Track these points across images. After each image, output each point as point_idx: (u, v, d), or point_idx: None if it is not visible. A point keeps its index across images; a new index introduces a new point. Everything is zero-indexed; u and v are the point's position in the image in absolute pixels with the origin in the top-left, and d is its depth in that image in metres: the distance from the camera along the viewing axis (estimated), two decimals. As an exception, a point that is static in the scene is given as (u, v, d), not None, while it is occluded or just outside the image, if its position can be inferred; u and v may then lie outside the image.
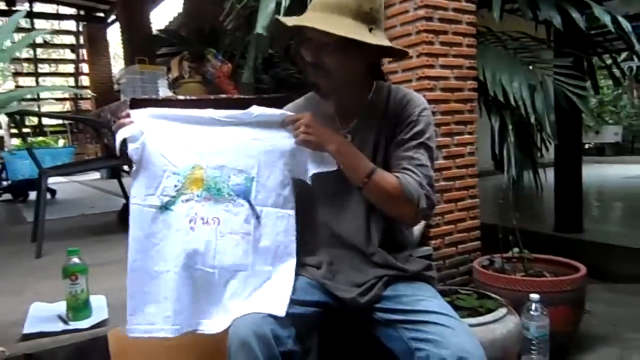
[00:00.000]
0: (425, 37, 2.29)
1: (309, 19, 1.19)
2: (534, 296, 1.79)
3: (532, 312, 1.77)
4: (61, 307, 1.54)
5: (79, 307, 1.49)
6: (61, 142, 12.75)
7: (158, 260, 1.14)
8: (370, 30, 1.18)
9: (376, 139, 1.30)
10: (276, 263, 1.21)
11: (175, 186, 1.17)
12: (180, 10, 7.47)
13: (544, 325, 1.75)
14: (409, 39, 2.34)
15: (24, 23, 11.60)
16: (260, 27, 2.13)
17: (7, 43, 1.32)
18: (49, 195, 5.75)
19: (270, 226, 1.21)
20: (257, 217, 1.20)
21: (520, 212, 2.32)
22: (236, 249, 1.18)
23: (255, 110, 1.20)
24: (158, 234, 1.15)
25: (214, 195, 1.18)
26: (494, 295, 1.97)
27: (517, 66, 2.70)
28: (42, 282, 1.99)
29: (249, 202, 1.20)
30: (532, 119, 2.52)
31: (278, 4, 2.13)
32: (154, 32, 7.44)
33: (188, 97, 2.70)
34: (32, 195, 5.26)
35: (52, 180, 6.13)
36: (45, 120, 11.74)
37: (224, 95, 2.81)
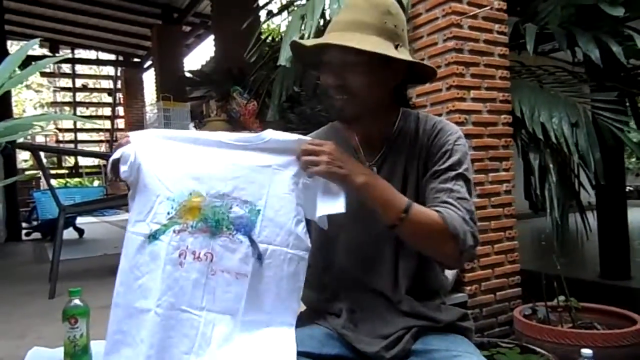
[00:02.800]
0: (455, 69, 2.19)
1: (330, 37, 1.09)
2: (587, 351, 1.57)
3: (585, 371, 1.55)
4: (60, 353, 1.42)
5: (76, 354, 1.36)
6: (96, 183, 13.07)
7: (139, 296, 1.01)
8: (396, 47, 1.09)
9: (405, 172, 1.16)
10: (273, 313, 1.04)
11: (168, 213, 1.03)
12: (212, 54, 7.68)
13: (600, 386, 1.52)
14: (438, 72, 2.22)
15: (67, 69, 12.30)
16: (283, 59, 2.08)
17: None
18: (76, 235, 5.81)
19: (274, 269, 1.04)
20: (259, 258, 1.03)
21: (565, 258, 2.12)
22: (227, 289, 1.02)
23: (268, 134, 1.05)
24: (143, 266, 1.02)
25: (210, 228, 1.03)
26: (539, 350, 1.79)
27: (557, 101, 2.55)
28: (48, 325, 1.89)
29: (250, 238, 1.03)
30: (576, 158, 2.34)
31: (301, 37, 2.07)
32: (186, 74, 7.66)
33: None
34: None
35: (81, 220, 6.27)
36: (82, 162, 12.13)
37: (246, 132, 2.75)
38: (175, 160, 1.05)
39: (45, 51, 10.31)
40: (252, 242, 1.03)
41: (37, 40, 1.17)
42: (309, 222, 1.10)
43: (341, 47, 1.05)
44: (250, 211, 1.04)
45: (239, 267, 1.02)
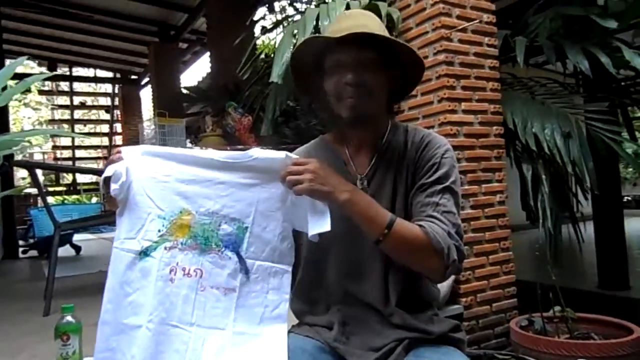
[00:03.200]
0: (446, 81, 2.21)
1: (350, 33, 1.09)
2: (583, 363, 1.57)
3: (581, 382, 1.54)
4: (53, 370, 1.41)
5: (69, 372, 1.36)
6: (94, 200, 13.05)
7: (130, 312, 1.02)
8: None
9: (394, 184, 1.17)
10: (262, 326, 1.05)
11: (159, 231, 1.05)
12: (209, 70, 7.73)
13: (597, 397, 1.52)
14: (429, 85, 2.27)
15: (65, 87, 12.37)
16: (275, 75, 2.10)
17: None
18: (73, 252, 5.78)
19: (261, 283, 1.06)
20: (246, 272, 1.06)
21: (559, 268, 2.12)
22: (216, 304, 1.04)
23: (255, 152, 1.07)
24: (133, 282, 1.03)
25: (200, 245, 1.06)
26: None
27: (549, 112, 2.57)
28: (42, 342, 1.89)
29: (238, 254, 1.06)
30: (569, 168, 2.35)
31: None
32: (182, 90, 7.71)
33: (202, 149, 2.66)
34: (58, 252, 5.27)
35: (78, 237, 6.24)
36: (80, 179, 12.13)
37: (240, 147, 2.77)
38: (166, 179, 1.08)
39: (43, 69, 10.40)
40: (240, 258, 1.06)
41: (24, 57, 1.19)
42: (298, 238, 1.12)
43: (357, 45, 1.08)
44: (238, 228, 1.06)
45: (227, 283, 1.04)
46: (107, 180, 1.05)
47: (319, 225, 1.01)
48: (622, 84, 3.51)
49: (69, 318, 1.39)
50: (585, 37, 2.73)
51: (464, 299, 2.22)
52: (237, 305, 1.04)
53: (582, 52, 2.56)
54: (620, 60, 2.55)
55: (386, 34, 1.13)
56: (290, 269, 1.08)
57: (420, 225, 1.03)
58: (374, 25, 1.13)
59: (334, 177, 1.03)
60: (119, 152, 1.09)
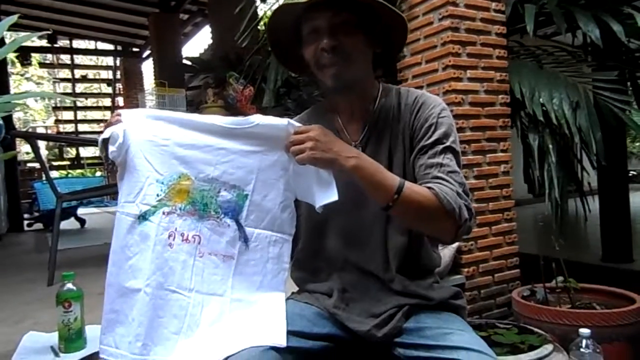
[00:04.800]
0: (451, 48, 2.16)
1: None
2: (585, 331, 1.56)
3: (582, 350, 1.54)
4: (55, 337, 1.43)
5: (71, 338, 1.38)
6: (98, 174, 13.11)
7: (130, 276, 1.02)
8: None
9: (390, 149, 1.14)
10: (260, 293, 1.05)
11: (158, 195, 1.04)
12: (210, 42, 7.62)
13: (597, 364, 1.51)
14: (434, 52, 2.22)
15: (67, 60, 12.26)
16: (275, 43, 2.03)
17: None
18: (78, 225, 5.82)
19: (260, 251, 1.06)
20: (246, 241, 1.05)
21: (564, 240, 2.10)
22: (215, 271, 1.04)
23: (257, 118, 1.04)
24: (133, 246, 1.03)
25: (198, 211, 1.05)
26: (537, 330, 1.78)
27: (557, 82, 2.50)
28: (45, 310, 1.91)
29: (237, 222, 1.05)
30: (577, 139, 2.31)
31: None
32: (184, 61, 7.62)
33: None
34: (63, 225, 5.30)
35: (82, 211, 6.27)
36: (83, 153, 12.17)
37: (240, 117, 2.73)
38: (165, 143, 1.06)
39: (43, 43, 10.28)
40: (240, 226, 1.05)
41: (15, 17, 1.15)
42: (298, 206, 1.11)
43: (330, 8, 1.05)
44: (238, 195, 1.06)
45: (226, 250, 1.05)
46: (106, 143, 1.03)
47: (326, 195, 0.99)
48: (636, 54, 3.42)
49: (69, 285, 1.40)
50: (597, 4, 2.64)
51: (466, 269, 2.21)
52: (235, 272, 1.04)
53: (593, 20, 2.47)
54: (634, 29, 2.47)
55: None
56: (290, 238, 1.08)
57: (429, 188, 1.01)
58: None
59: (337, 143, 1.00)
60: (118, 114, 1.08)
